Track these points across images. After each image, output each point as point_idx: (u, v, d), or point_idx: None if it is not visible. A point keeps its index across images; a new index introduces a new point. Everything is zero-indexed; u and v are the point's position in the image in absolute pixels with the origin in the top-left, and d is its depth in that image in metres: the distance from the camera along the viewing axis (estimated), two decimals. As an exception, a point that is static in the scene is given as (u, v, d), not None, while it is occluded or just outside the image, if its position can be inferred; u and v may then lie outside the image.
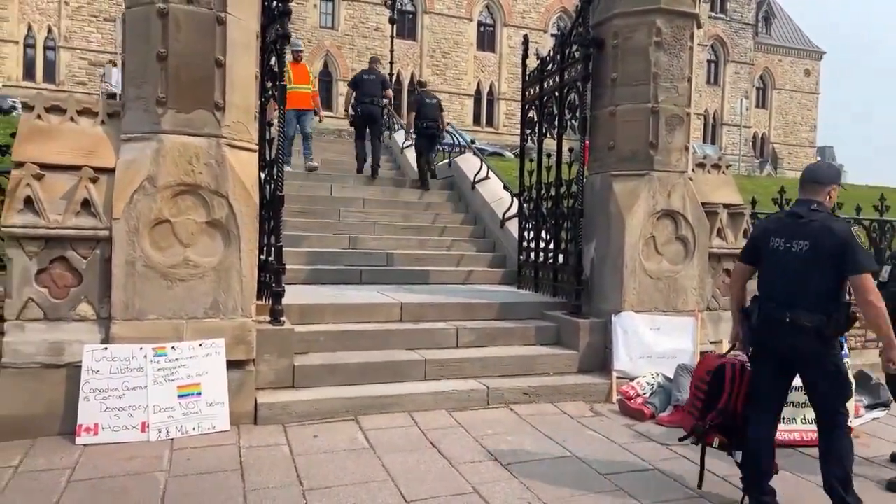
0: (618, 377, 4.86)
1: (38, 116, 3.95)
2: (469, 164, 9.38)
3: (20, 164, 3.76)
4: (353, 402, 4.21)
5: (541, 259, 6.10)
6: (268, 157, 4.67)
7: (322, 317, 5.12)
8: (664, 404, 4.51)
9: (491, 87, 37.59)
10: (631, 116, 5.12)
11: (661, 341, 4.98)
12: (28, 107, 3.97)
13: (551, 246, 5.94)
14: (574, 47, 5.59)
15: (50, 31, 30.01)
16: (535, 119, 6.26)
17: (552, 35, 38.63)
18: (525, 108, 6.51)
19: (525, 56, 6.43)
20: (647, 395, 4.59)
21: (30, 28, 29.77)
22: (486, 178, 8.67)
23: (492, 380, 4.71)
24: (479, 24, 37.48)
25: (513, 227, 7.24)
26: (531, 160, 6.34)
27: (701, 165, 5.78)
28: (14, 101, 20.62)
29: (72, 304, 3.82)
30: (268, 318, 4.40)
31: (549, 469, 3.48)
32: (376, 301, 5.42)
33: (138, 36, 3.93)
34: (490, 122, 37.40)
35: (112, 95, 15.82)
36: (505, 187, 8.27)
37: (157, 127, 3.89)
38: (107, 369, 3.69)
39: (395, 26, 19.82)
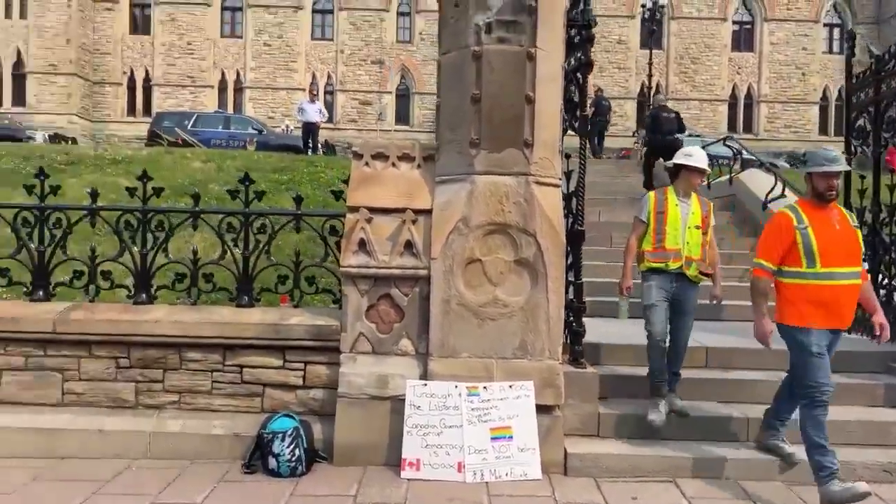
0: None
1: (366, 164, 4.29)
2: (756, 180, 8.35)
3: (354, 209, 4.10)
4: (668, 461, 3.80)
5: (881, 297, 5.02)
6: (566, 189, 4.52)
7: (620, 358, 4.79)
8: None
9: (749, 89, 34.06)
10: None
11: None
12: (357, 155, 4.34)
13: (896, 282, 4.83)
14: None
15: (329, 77, 34.77)
16: (867, 128, 5.22)
17: (825, 24, 33.84)
18: (852, 116, 5.48)
19: (851, 55, 5.43)
20: None
21: (314, 76, 34.83)
22: (783, 196, 7.60)
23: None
24: (734, 22, 34.31)
25: (826, 255, 6.14)
26: (862, 177, 5.29)
27: None
28: (31, 132, 22.22)
29: (395, 339, 4.04)
30: (567, 359, 4.22)
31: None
32: (675, 342, 4.92)
33: (453, 81, 4.05)
34: (748, 128, 33.83)
35: (307, 125, 17.14)
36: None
37: (470, 168, 3.96)
38: (426, 405, 3.81)
39: (649, 36, 18.99)
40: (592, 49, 4.36)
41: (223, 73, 34.35)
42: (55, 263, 4.32)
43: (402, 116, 34.47)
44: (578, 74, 4.36)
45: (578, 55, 4.32)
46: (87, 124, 32.66)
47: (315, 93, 17.42)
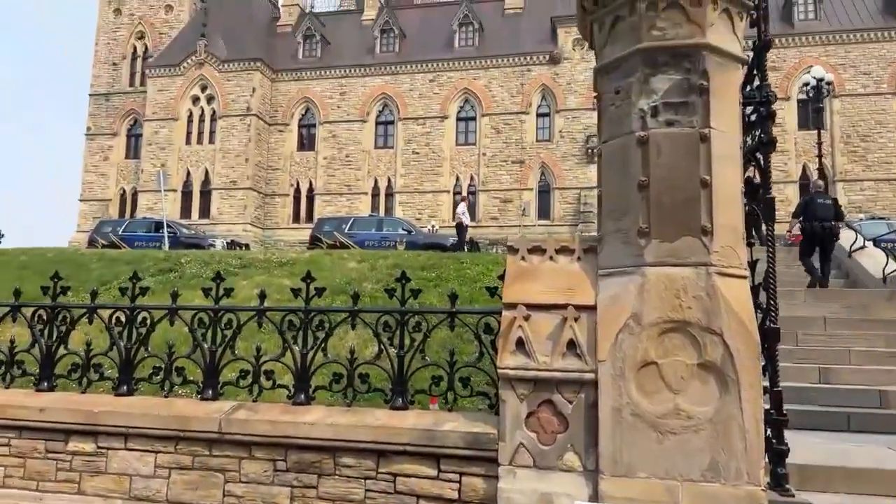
0: None
1: (522, 258, 4.08)
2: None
3: (510, 306, 3.86)
4: None
5: None
6: (751, 281, 3.97)
7: (829, 483, 3.97)
8: None
9: (936, 165, 30.38)
10: None
11: None
12: (513, 249, 4.14)
13: None
14: None
15: (472, 179, 36.19)
16: None
17: None
18: None
19: None
20: None
21: (457, 179, 36.42)
22: None
23: None
24: (908, 95, 31.30)
25: None
26: None
27: None
28: (212, 240, 24.52)
29: (558, 451, 3.61)
30: (768, 484, 3.51)
31: None
32: (903, 466, 4.00)
33: (616, 168, 3.79)
34: (940, 208, 29.84)
35: (467, 226, 19.42)
36: None
37: (639, 260, 3.59)
38: (599, 534, 3.29)
39: (815, 115, 17.73)
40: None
41: (376, 181, 37.08)
42: (224, 363, 4.48)
43: (543, 212, 34.69)
44: (758, 154, 3.93)
45: (757, 133, 3.91)
46: (258, 231, 36.42)
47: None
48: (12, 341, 4.87)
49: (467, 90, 36.52)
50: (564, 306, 3.74)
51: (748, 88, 4.02)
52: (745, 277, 3.63)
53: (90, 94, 41.43)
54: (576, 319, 3.71)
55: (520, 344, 3.74)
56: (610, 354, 3.52)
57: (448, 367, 4.21)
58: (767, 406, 3.70)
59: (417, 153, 36.61)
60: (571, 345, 3.66)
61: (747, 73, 4.04)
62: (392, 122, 37.51)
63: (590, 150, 33.92)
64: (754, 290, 3.92)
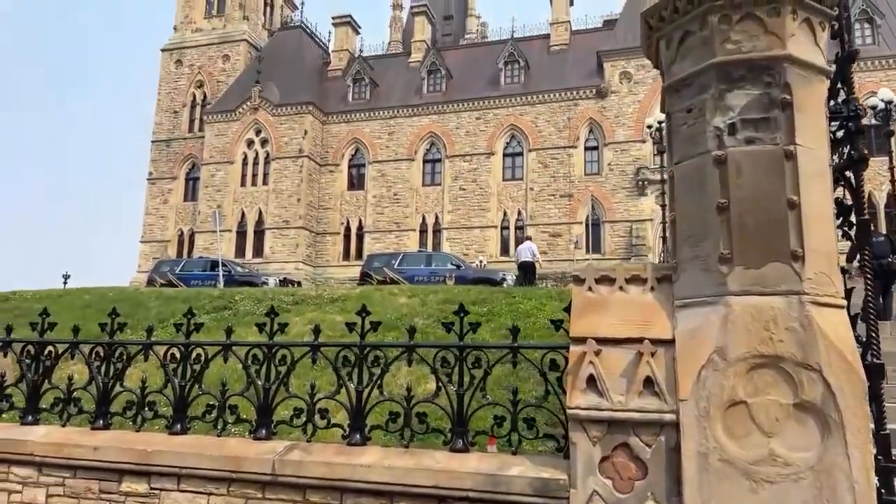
0: None
1: (589, 289, 3.83)
2: None
3: (579, 340, 3.60)
4: None
5: None
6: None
7: (951, 542, 3.47)
8: None
9: None
10: None
11: None
12: (579, 280, 3.90)
13: None
14: None
15: (519, 213, 35.95)
16: None
17: None
18: None
19: None
20: None
21: (504, 214, 36.28)
22: None
23: None
24: (982, 117, 29.67)
25: None
26: None
27: None
28: (265, 278, 24.42)
29: (637, 500, 3.28)
30: (881, 542, 3.09)
31: None
32: None
33: (691, 190, 3.53)
34: None
35: (526, 264, 19.24)
36: None
37: (721, 289, 3.30)
38: None
39: (886, 139, 16.93)
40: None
41: (424, 217, 37.26)
42: (278, 400, 4.33)
43: (594, 245, 34.03)
44: (848, 173, 3.61)
45: (846, 150, 3.60)
46: (309, 269, 36.92)
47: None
48: (70, 378, 4.87)
49: (514, 126, 36.60)
50: (639, 340, 3.46)
51: (832, 103, 3.73)
52: (842, 307, 3.29)
53: (152, 141, 43.39)
54: (652, 354, 3.42)
55: (591, 381, 3.46)
56: (692, 393, 3.21)
57: (511, 407, 3.95)
58: (874, 451, 3.30)
59: (464, 189, 36.69)
60: (648, 382, 3.37)
61: (830, 87, 3.75)
62: (439, 160, 37.81)
63: (640, 183, 33.30)
64: (852, 321, 3.55)
